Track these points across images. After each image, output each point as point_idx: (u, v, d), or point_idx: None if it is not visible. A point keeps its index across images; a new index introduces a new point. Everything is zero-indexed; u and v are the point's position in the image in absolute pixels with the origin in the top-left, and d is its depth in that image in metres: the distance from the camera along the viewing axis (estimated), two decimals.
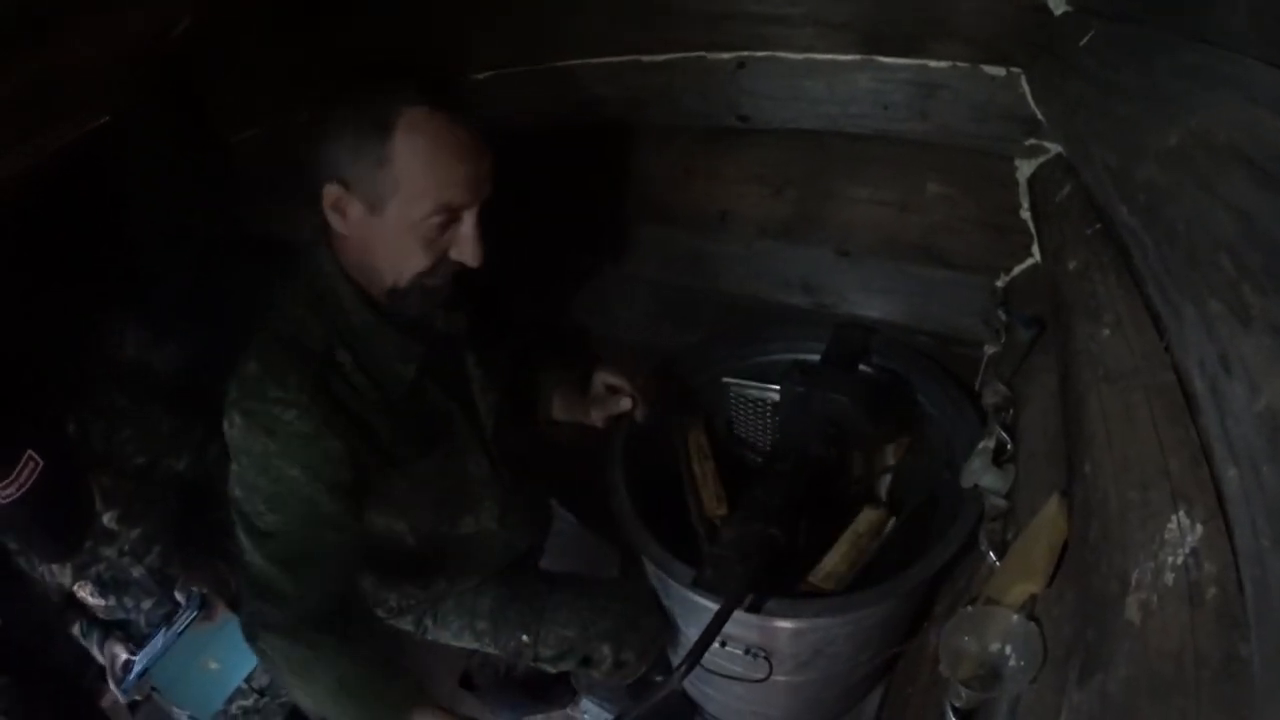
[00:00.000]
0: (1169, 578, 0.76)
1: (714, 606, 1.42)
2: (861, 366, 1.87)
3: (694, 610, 1.61)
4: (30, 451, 1.59)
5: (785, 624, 1.52)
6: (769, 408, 2.03)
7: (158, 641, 1.99)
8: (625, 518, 1.67)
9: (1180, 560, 0.76)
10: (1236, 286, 0.64)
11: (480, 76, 2.05)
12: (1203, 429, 0.84)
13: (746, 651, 1.60)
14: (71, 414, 1.85)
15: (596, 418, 1.80)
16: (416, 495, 1.56)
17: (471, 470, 1.64)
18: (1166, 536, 0.79)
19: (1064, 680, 0.90)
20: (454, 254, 1.34)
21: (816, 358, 1.88)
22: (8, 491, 1.58)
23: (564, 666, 1.85)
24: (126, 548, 1.97)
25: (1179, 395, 0.89)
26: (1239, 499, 0.68)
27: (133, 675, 1.98)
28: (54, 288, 1.99)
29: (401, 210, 1.28)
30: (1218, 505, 0.77)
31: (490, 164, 1.32)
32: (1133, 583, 0.80)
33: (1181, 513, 0.79)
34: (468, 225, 1.32)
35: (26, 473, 1.58)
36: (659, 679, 2.12)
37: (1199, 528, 0.77)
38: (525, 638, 1.80)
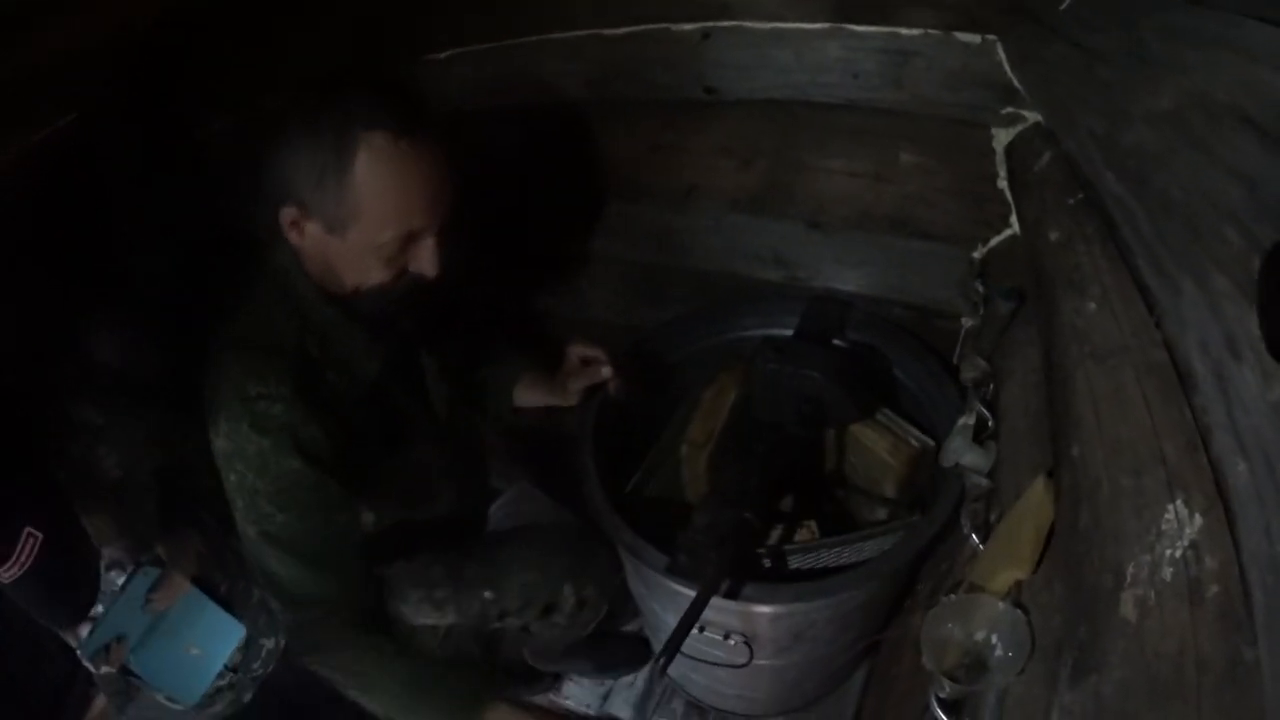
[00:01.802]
0: (1167, 572, 0.72)
1: (689, 593, 1.38)
2: (836, 341, 1.83)
3: (670, 596, 1.57)
4: (28, 528, 1.54)
5: (764, 609, 1.48)
6: None
7: (106, 607, 2.02)
8: (597, 503, 1.63)
9: (1179, 554, 0.72)
10: (1245, 260, 0.60)
11: (441, 56, 1.98)
12: (1199, 412, 0.80)
13: (726, 637, 1.56)
14: (57, 459, 1.81)
15: (573, 391, 1.76)
16: (381, 488, 1.53)
17: (429, 461, 1.62)
18: (1163, 527, 0.75)
19: (1054, 675, 0.86)
20: (413, 267, 1.33)
21: (790, 333, 1.84)
22: (10, 572, 1.54)
23: (528, 617, 1.80)
24: (109, 562, 1.95)
25: (1172, 375, 0.85)
26: (1249, 496, 0.63)
27: (93, 642, 2.01)
28: (33, 295, 1.92)
29: (362, 235, 1.26)
30: (1217, 495, 0.73)
31: (452, 182, 1.28)
32: (1128, 577, 0.75)
33: (1179, 502, 0.75)
34: (429, 242, 1.30)
35: (27, 550, 1.53)
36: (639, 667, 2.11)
37: (1198, 519, 0.73)
38: (488, 594, 1.76)
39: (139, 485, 1.94)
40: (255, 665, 2.12)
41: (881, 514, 1.78)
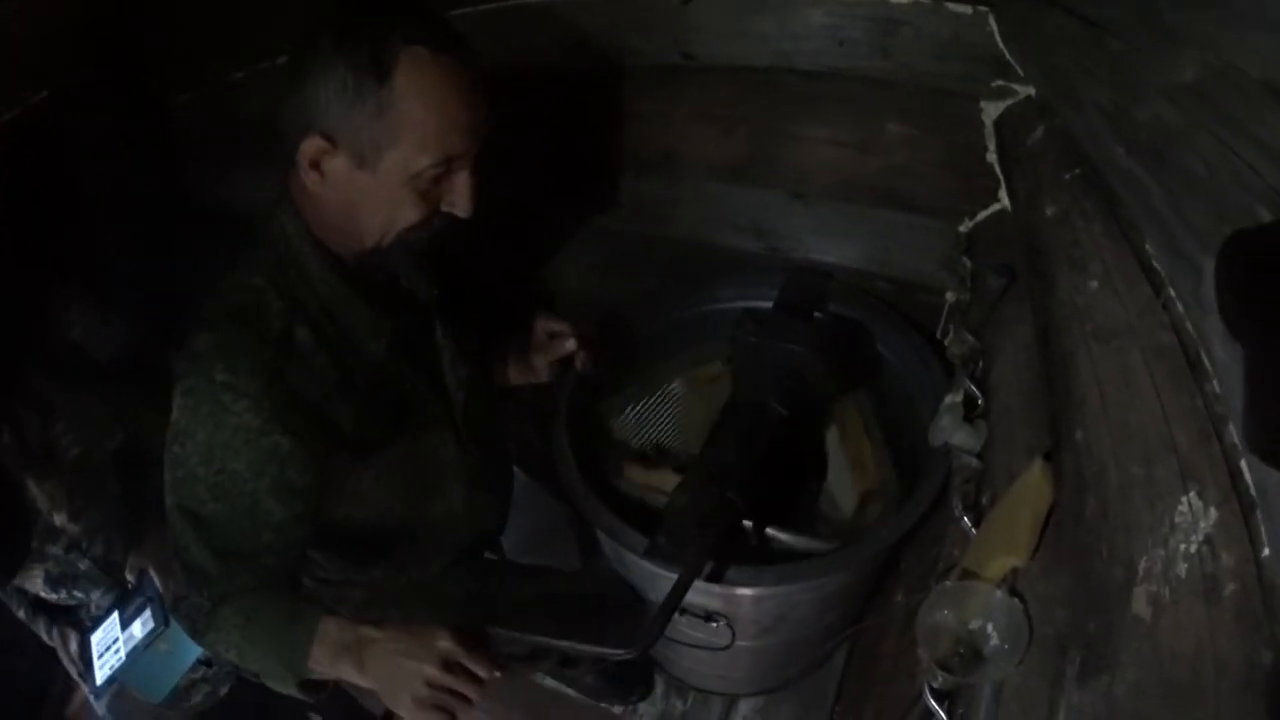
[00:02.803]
0: (1181, 568, 0.69)
1: (669, 575, 1.35)
2: (817, 314, 1.79)
3: (650, 578, 1.53)
4: None
5: (747, 591, 1.45)
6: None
7: (118, 643, 1.98)
8: (572, 483, 1.58)
9: (1194, 549, 0.69)
10: None
11: None
12: (1212, 399, 0.77)
13: (708, 619, 1.53)
14: (4, 421, 1.75)
15: (540, 366, 1.69)
16: (382, 484, 1.42)
17: (440, 452, 1.50)
18: (1177, 520, 0.72)
19: (1058, 672, 0.83)
20: (445, 205, 1.23)
21: (770, 305, 1.80)
22: None
23: (541, 667, 1.74)
24: (69, 542, 1.90)
25: (1181, 359, 0.82)
26: (1277, 491, 0.60)
27: (103, 683, 1.96)
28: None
29: (399, 163, 1.15)
30: (1232, 487, 0.70)
31: (489, 106, 1.20)
32: (1140, 571, 0.73)
33: (1192, 494, 0.72)
34: (464, 174, 1.21)
35: None
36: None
37: (1213, 512, 0.70)
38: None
39: (98, 466, 1.90)
40: None
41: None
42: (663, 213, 2.02)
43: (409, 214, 1.21)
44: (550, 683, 2.18)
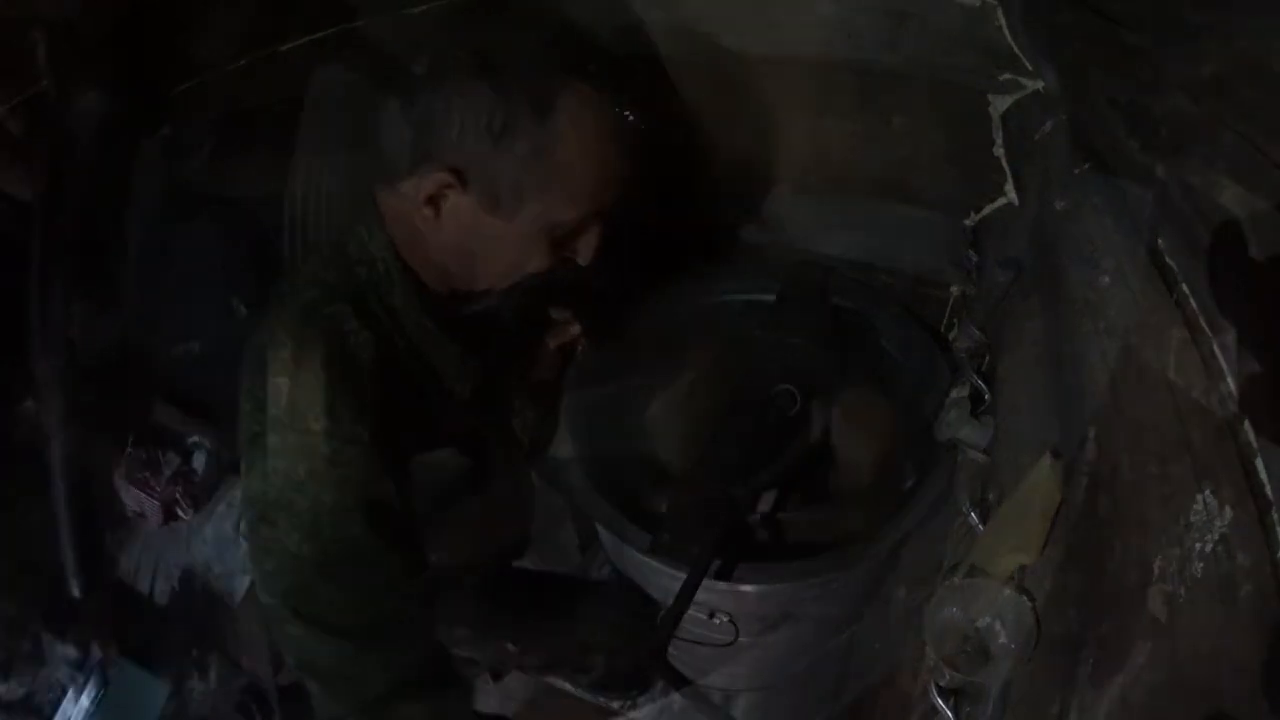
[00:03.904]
0: (1197, 568, 0.69)
1: (672, 572, 1.34)
2: (821, 308, 1.78)
3: (653, 574, 1.53)
4: None
5: (751, 588, 1.45)
6: None
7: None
8: (573, 478, 1.57)
9: (1209, 548, 0.69)
10: None
11: (413, 12, 1.91)
12: (1226, 398, 0.76)
13: (711, 615, 1.52)
14: None
15: (543, 354, 1.65)
16: (446, 530, 1.29)
17: (500, 498, 1.41)
18: (1192, 519, 0.71)
19: (1067, 672, 0.82)
20: (567, 251, 1.12)
21: (773, 299, 1.79)
22: None
23: (553, 675, 1.72)
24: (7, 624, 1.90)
25: (1195, 356, 0.81)
26: None
27: None
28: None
29: (540, 213, 1.03)
30: (1247, 487, 0.69)
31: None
32: (1155, 571, 0.72)
33: (1207, 492, 0.71)
34: (597, 227, 1.10)
35: None
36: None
37: (1228, 511, 0.69)
38: (512, 647, 1.62)
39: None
40: (189, 710, 2.07)
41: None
42: (665, 203, 2.00)
43: (537, 264, 1.09)
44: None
